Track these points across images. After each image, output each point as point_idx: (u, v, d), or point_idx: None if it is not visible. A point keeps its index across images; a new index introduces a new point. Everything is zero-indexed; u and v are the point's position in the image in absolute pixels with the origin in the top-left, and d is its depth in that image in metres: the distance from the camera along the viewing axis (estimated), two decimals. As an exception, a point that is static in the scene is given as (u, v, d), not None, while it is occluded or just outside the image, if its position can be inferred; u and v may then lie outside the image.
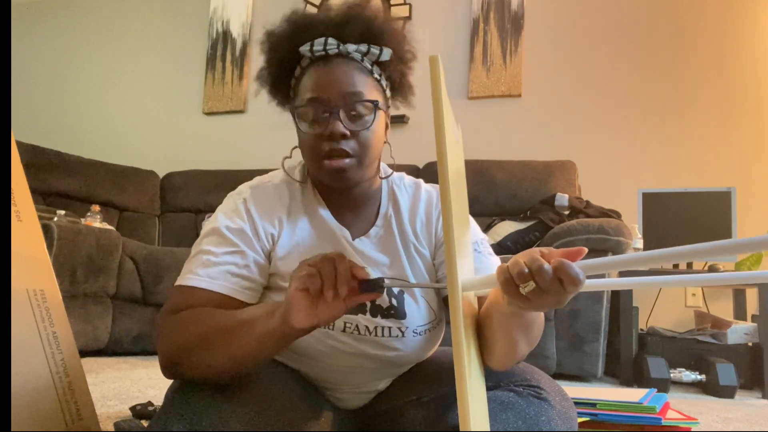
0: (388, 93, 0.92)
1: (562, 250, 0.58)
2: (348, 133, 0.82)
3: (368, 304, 0.86)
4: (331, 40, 0.85)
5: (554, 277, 0.56)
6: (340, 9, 0.89)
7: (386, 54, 0.88)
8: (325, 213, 0.91)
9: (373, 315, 0.86)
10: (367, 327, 0.85)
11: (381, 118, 0.88)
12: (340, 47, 0.85)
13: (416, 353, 0.90)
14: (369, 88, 0.86)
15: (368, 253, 0.90)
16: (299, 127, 0.86)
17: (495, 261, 0.91)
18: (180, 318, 0.77)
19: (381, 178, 0.95)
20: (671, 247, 0.50)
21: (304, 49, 0.86)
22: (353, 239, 0.91)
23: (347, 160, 0.83)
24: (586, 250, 0.58)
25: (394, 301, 0.87)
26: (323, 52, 0.85)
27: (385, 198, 0.95)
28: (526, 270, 0.56)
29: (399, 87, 0.94)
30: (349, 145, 0.83)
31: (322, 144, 0.83)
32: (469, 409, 0.38)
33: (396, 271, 0.90)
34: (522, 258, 0.58)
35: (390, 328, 0.86)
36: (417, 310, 0.88)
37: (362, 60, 0.87)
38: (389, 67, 0.90)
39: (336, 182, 0.86)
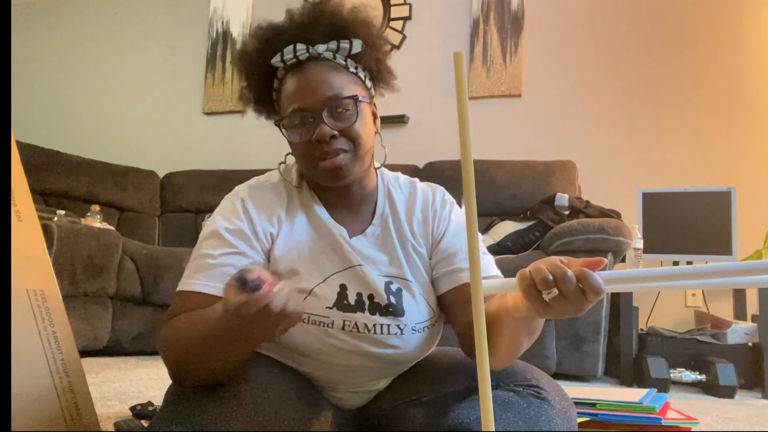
0: (368, 83, 0.92)
1: (583, 260, 0.58)
2: (336, 133, 0.83)
3: (367, 301, 0.86)
4: (299, 46, 0.86)
5: (577, 285, 0.56)
6: (303, 11, 0.89)
7: (357, 46, 0.88)
8: (323, 212, 0.92)
9: (372, 313, 0.86)
10: (365, 325, 0.85)
11: (365, 109, 0.88)
12: (310, 50, 0.85)
13: (415, 351, 0.90)
14: (347, 84, 0.86)
15: (366, 252, 0.90)
16: (288, 137, 0.87)
17: (489, 259, 0.92)
18: (172, 328, 0.77)
19: (375, 168, 0.96)
20: (698, 265, 0.51)
21: (276, 60, 0.86)
22: (350, 238, 0.91)
23: (342, 156, 0.84)
24: (606, 260, 0.58)
25: (392, 299, 0.87)
26: (294, 59, 0.85)
27: (382, 197, 0.95)
28: (550, 277, 0.57)
29: (378, 74, 0.94)
30: (340, 144, 0.84)
31: (313, 149, 0.84)
32: (490, 410, 0.38)
33: (394, 269, 0.91)
34: (544, 264, 0.59)
35: (389, 325, 0.86)
36: (416, 308, 0.89)
37: (335, 57, 0.87)
38: (363, 58, 0.90)
39: (334, 181, 0.86)
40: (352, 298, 0.86)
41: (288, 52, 0.85)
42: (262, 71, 0.90)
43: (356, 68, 0.89)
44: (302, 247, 0.89)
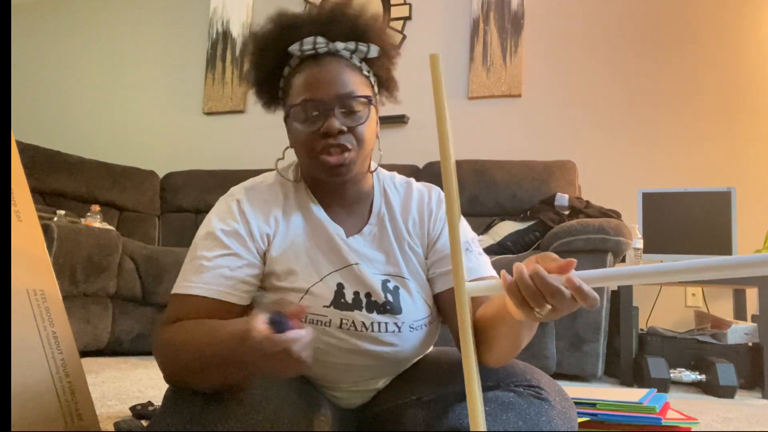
0: (376, 89, 0.93)
1: (556, 264, 0.60)
2: (345, 128, 0.84)
3: (364, 300, 0.87)
4: (320, 39, 0.86)
5: (571, 299, 0.59)
6: (325, 8, 0.90)
7: (374, 51, 0.90)
8: (319, 211, 0.92)
9: (369, 311, 0.86)
10: (363, 323, 0.85)
11: (373, 111, 0.89)
12: (329, 45, 0.86)
13: (413, 349, 0.90)
14: (360, 85, 0.87)
15: (362, 251, 0.91)
16: (294, 126, 0.87)
17: (485, 260, 0.92)
18: (173, 336, 0.77)
19: (370, 171, 0.96)
20: (688, 260, 0.52)
21: (294, 48, 0.86)
22: (347, 237, 0.91)
23: (346, 155, 0.84)
24: (575, 261, 0.60)
25: (389, 297, 0.88)
26: (313, 51, 0.86)
27: (378, 197, 0.96)
28: (541, 295, 0.58)
29: (385, 83, 0.95)
30: (346, 140, 0.84)
31: (318, 141, 0.84)
32: (479, 410, 0.38)
33: (391, 267, 0.91)
34: (530, 270, 0.59)
35: (386, 323, 0.86)
36: (413, 306, 0.89)
37: (351, 57, 0.88)
38: (376, 64, 0.92)
39: (335, 177, 0.86)
40: (349, 297, 0.86)
41: (307, 43, 0.86)
42: (276, 56, 0.89)
43: (368, 72, 0.91)
44: (299, 247, 0.89)
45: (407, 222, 0.94)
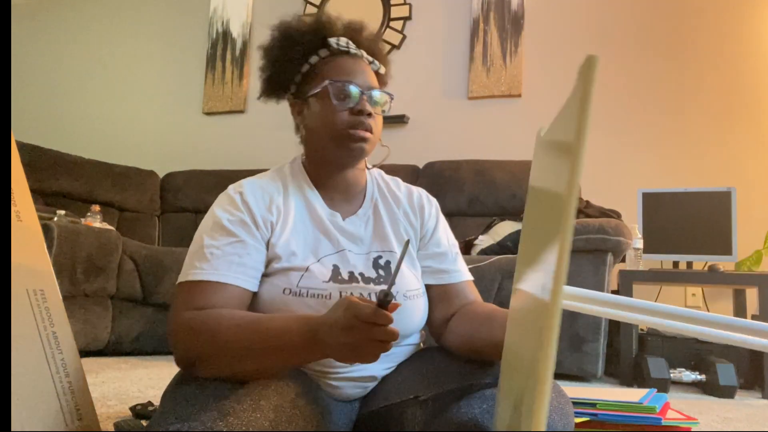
0: None
1: None
2: (373, 112, 0.96)
3: (359, 276, 0.94)
4: (351, 42, 1.00)
5: None
6: (351, 21, 1.04)
7: (381, 69, 1.06)
8: (316, 198, 1.00)
9: (366, 283, 0.93)
10: (361, 294, 0.91)
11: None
12: (358, 50, 1.01)
13: (408, 320, 0.95)
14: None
15: (357, 232, 0.99)
16: (324, 103, 0.95)
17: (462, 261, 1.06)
18: (198, 321, 0.80)
19: (366, 168, 1.07)
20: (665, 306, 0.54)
21: (332, 40, 0.99)
22: (344, 219, 0.99)
23: (368, 134, 0.96)
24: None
25: (381, 272, 0.96)
26: (346, 48, 1.00)
27: (371, 184, 1.06)
28: None
29: None
30: (370, 124, 0.95)
31: (350, 117, 0.94)
32: (545, 411, 0.36)
33: (384, 245, 1.00)
34: None
35: None
36: (404, 278, 0.96)
37: (369, 65, 1.03)
38: (379, 80, 1.05)
39: (355, 149, 0.95)
40: (345, 275, 0.93)
41: (343, 41, 0.99)
42: (310, 43, 1.00)
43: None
44: (298, 233, 0.95)
45: (399, 208, 1.05)
